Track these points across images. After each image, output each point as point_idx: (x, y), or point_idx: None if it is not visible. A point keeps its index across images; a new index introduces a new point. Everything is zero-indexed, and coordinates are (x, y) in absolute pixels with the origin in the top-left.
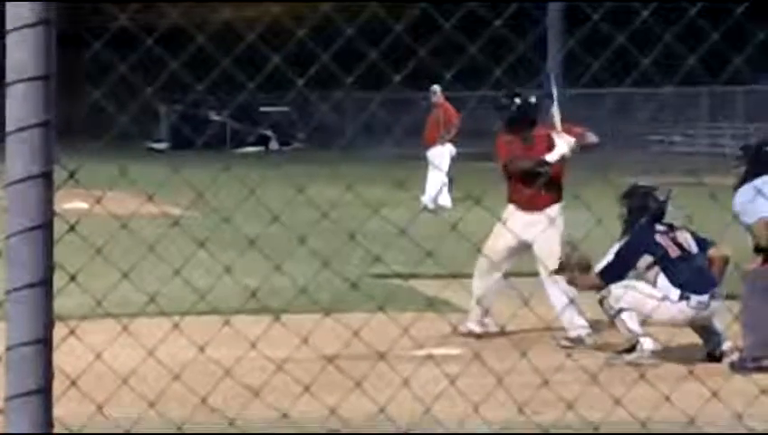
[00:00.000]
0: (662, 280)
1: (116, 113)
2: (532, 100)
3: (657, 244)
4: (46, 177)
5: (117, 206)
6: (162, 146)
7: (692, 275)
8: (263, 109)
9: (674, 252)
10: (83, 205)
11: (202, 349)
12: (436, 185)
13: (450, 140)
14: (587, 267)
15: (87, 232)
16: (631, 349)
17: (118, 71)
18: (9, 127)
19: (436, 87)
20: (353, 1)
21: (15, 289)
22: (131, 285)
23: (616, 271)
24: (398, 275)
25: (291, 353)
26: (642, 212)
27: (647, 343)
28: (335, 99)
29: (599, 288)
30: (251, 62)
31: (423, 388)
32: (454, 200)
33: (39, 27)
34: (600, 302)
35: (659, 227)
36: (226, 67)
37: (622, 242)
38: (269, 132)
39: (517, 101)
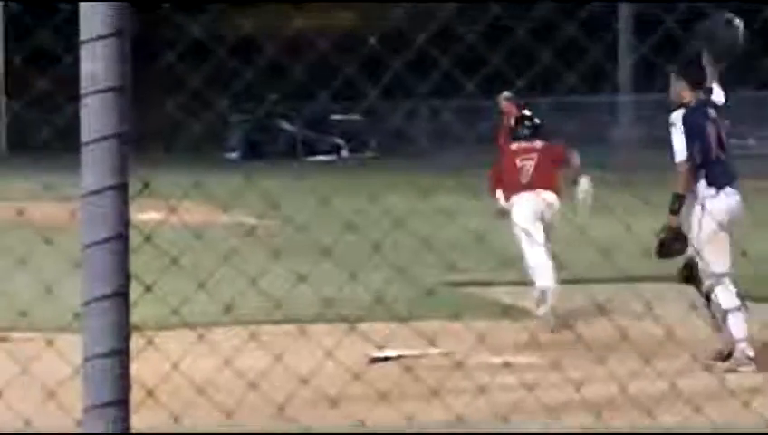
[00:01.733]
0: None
1: (189, 123)
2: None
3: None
4: (121, 188)
5: (191, 216)
6: (234, 156)
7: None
8: (334, 117)
9: (713, 152)
10: (157, 215)
11: (278, 358)
12: None
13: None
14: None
15: (162, 242)
16: (728, 356)
17: (191, 81)
18: (84, 138)
19: (505, 93)
20: (428, 1)
21: (92, 300)
22: (207, 294)
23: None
24: (474, 283)
25: (367, 361)
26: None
27: (747, 350)
28: (407, 107)
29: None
30: (323, 71)
31: (500, 396)
32: None
33: (112, 38)
34: (707, 298)
35: (711, 113)
36: (298, 76)
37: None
38: (340, 141)
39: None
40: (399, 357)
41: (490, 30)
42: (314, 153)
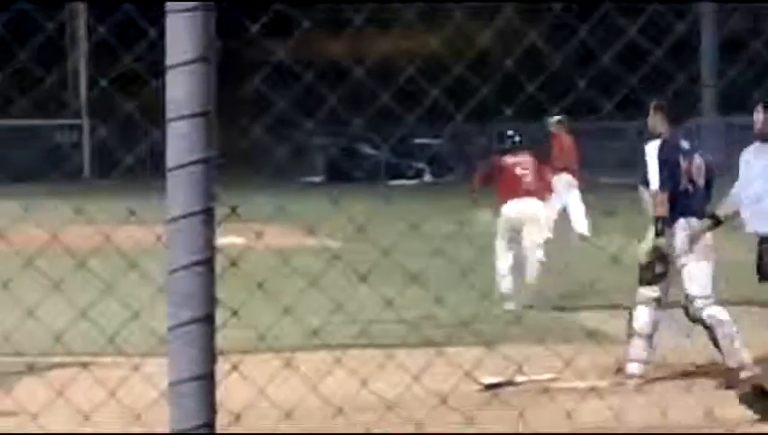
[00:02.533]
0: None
1: (273, 147)
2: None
3: (679, 165)
4: (207, 212)
5: (277, 240)
6: (316, 179)
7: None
8: (417, 141)
9: (684, 183)
10: (242, 240)
11: (364, 383)
12: (575, 212)
13: (565, 170)
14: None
15: (247, 266)
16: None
17: (276, 105)
18: (170, 163)
19: (555, 117)
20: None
21: (178, 325)
22: (293, 319)
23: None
24: (559, 308)
25: (454, 386)
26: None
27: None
28: (491, 130)
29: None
30: (408, 95)
31: (587, 421)
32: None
33: (198, 64)
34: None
35: (684, 146)
36: (385, 101)
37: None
38: (423, 165)
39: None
40: (507, 384)
41: (575, 54)
42: (397, 177)
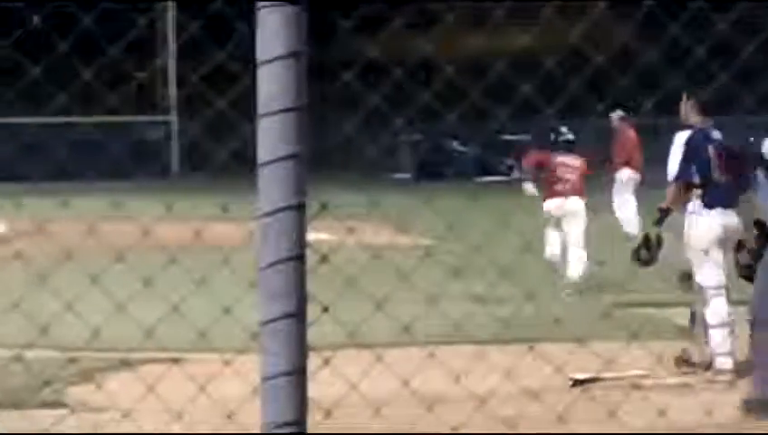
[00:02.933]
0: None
1: (364, 144)
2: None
3: (708, 156)
4: (299, 208)
5: (368, 236)
6: (404, 176)
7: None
8: (506, 137)
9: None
10: (333, 236)
11: (456, 379)
12: (627, 210)
13: (627, 165)
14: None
15: (338, 262)
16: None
17: (366, 102)
18: (261, 159)
19: (618, 112)
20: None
21: (270, 320)
22: (385, 315)
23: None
24: (650, 304)
25: (545, 382)
26: None
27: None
28: (580, 125)
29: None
30: (498, 92)
31: (680, 417)
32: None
33: (290, 60)
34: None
35: (715, 136)
36: (475, 97)
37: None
38: (511, 161)
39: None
40: (596, 380)
41: (668, 51)
42: (487, 174)
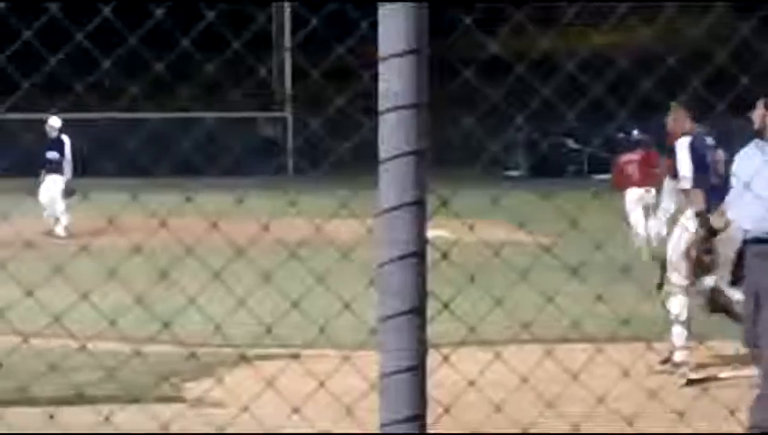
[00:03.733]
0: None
1: (484, 141)
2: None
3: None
4: (418, 205)
5: (487, 233)
6: (516, 173)
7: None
8: (620, 135)
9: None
10: (445, 233)
11: (574, 377)
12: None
13: (644, 184)
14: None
15: (456, 259)
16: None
17: (488, 99)
18: (382, 155)
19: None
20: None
21: (389, 317)
22: (504, 312)
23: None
24: None
25: (662, 381)
26: None
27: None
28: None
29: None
30: (618, 89)
31: None
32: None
33: (411, 56)
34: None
35: (709, 142)
36: (595, 93)
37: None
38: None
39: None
40: (713, 379)
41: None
42: (601, 171)
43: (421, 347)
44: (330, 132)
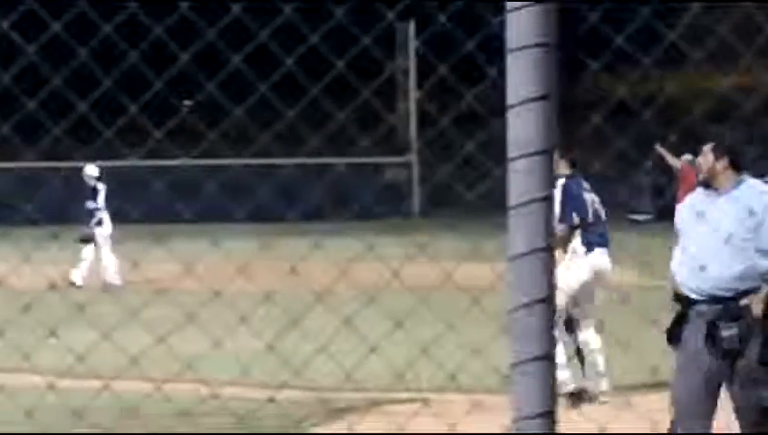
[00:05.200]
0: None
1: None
2: None
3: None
4: (547, 250)
5: (614, 277)
6: (643, 217)
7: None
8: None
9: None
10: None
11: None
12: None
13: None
14: None
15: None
16: None
17: (614, 143)
18: (512, 201)
19: (687, 157)
20: None
21: (520, 362)
22: (635, 357)
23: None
24: None
25: None
26: None
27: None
28: None
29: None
30: (747, 131)
31: None
32: None
33: (540, 102)
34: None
35: (585, 185)
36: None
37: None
38: None
39: None
40: None
41: None
42: None
43: (551, 393)
44: (456, 177)
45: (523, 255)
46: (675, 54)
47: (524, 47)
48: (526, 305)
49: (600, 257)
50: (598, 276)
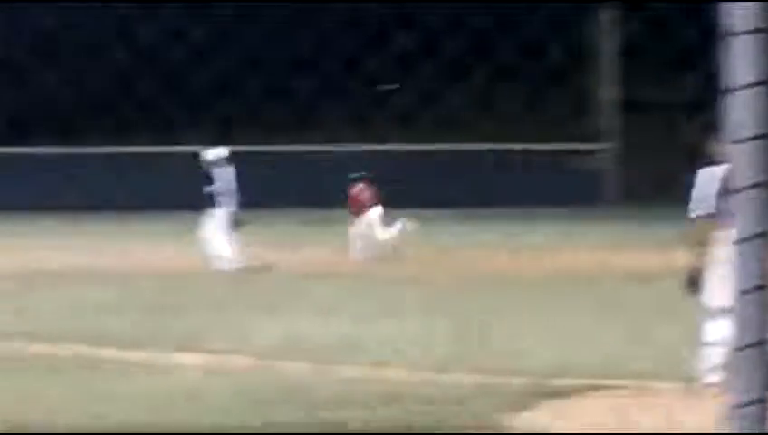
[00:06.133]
0: None
1: None
2: None
3: None
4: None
5: None
6: None
7: None
8: None
9: None
10: None
11: None
12: None
13: None
14: None
15: None
16: None
17: None
18: (739, 184)
19: None
20: None
21: (741, 348)
22: None
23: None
24: None
25: None
26: None
27: None
28: None
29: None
30: None
31: None
32: None
33: (761, 87)
34: None
35: None
36: None
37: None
38: None
39: None
40: None
41: None
42: None
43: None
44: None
45: (747, 239)
46: None
47: (749, 32)
48: (748, 291)
49: None
50: None
